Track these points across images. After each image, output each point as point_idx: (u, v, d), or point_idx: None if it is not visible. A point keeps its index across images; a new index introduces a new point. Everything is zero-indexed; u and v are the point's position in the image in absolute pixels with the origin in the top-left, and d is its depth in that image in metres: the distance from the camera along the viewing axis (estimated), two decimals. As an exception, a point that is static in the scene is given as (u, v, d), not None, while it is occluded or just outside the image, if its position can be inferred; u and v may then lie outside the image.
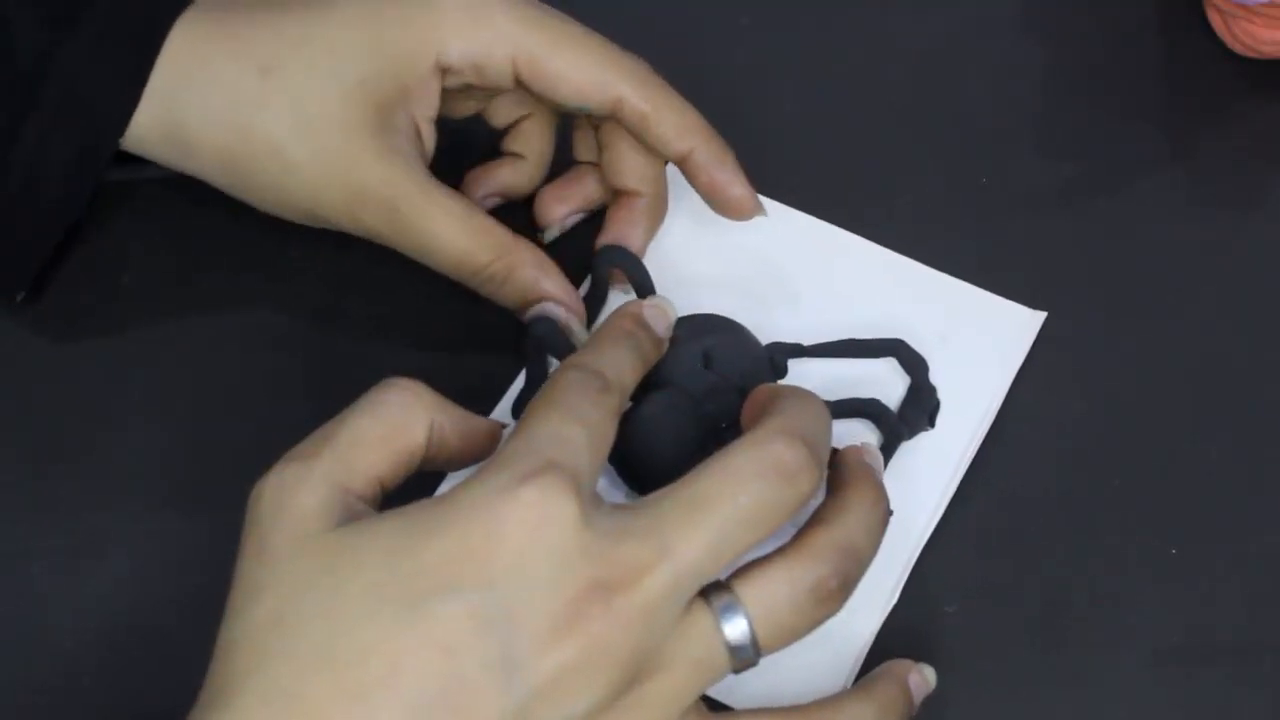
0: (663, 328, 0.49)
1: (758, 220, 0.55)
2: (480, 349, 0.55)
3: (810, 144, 0.60)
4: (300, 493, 0.41)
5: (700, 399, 0.51)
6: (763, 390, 0.46)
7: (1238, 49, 0.61)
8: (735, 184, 0.54)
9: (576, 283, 0.55)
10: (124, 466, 0.54)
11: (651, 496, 0.41)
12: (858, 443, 0.47)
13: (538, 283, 0.53)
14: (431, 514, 0.40)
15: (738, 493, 0.40)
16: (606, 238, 0.55)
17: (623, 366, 0.45)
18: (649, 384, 0.52)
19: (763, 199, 0.55)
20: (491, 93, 0.55)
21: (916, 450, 0.53)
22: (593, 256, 0.55)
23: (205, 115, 0.52)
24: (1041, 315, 0.55)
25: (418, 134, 0.53)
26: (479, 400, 0.53)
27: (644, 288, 0.54)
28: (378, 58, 0.52)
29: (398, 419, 0.43)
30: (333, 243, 0.58)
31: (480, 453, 0.46)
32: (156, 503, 0.53)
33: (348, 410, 0.43)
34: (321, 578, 0.39)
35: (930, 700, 0.49)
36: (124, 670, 0.50)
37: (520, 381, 0.54)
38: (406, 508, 0.41)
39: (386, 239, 0.53)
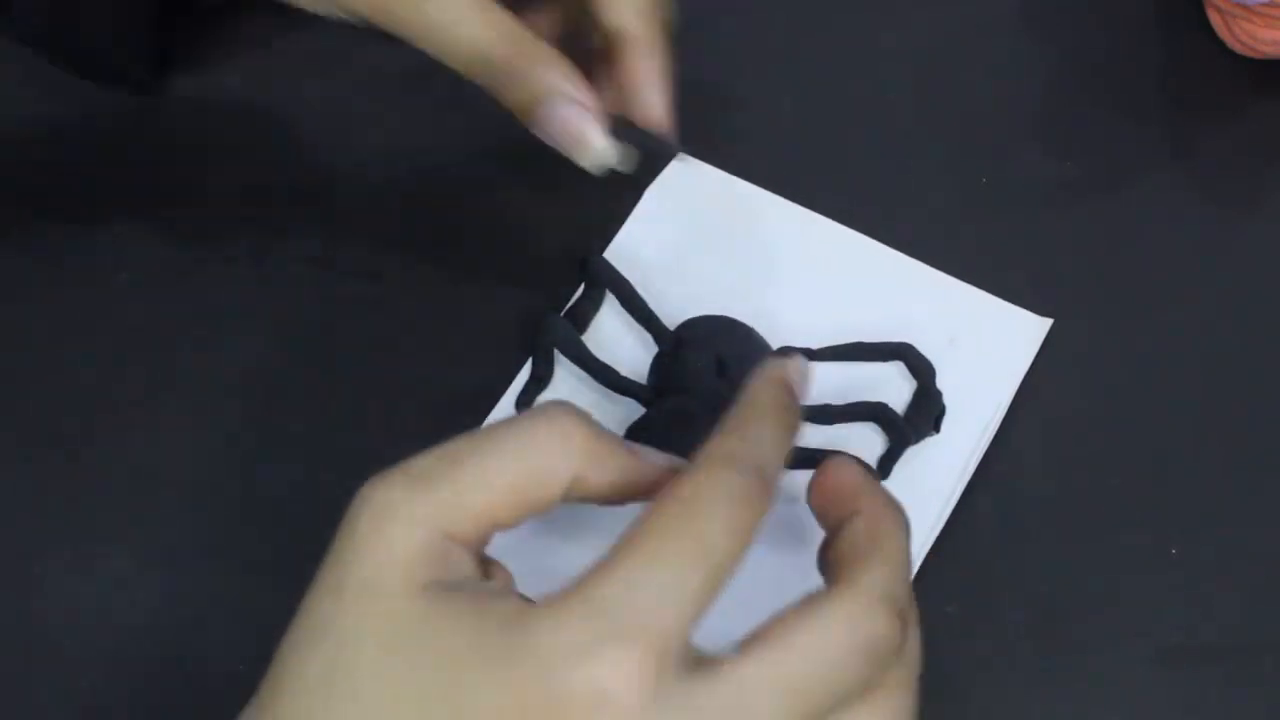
0: (805, 394, 0.44)
1: (767, 218, 0.54)
2: (484, 342, 0.55)
3: (810, 144, 0.60)
4: (398, 529, 0.38)
5: (714, 407, 0.50)
6: (850, 483, 0.41)
7: (1238, 49, 0.61)
8: (655, 91, 0.50)
9: (563, 287, 0.55)
10: (123, 465, 0.54)
11: (739, 663, 0.36)
12: (863, 453, 0.48)
13: (552, 78, 0.48)
14: (507, 641, 0.36)
15: (834, 678, 0.37)
16: (573, 81, 0.49)
17: (778, 452, 0.40)
18: (660, 391, 0.52)
19: (774, 196, 0.55)
20: None
21: (922, 455, 0.53)
22: (583, 264, 0.55)
23: None
24: (1048, 322, 0.55)
25: None
26: (482, 395, 0.54)
27: (632, 305, 0.54)
28: None
29: (538, 466, 0.39)
30: (332, 240, 0.58)
31: (633, 498, 0.41)
32: (156, 502, 0.53)
33: (486, 433, 0.39)
34: (381, 658, 0.37)
35: (931, 700, 0.49)
36: (123, 670, 0.50)
37: (525, 374, 0.54)
38: (496, 610, 0.37)
39: (399, 22, 0.48)
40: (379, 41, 0.51)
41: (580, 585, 0.36)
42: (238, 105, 0.61)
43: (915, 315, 0.55)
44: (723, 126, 0.60)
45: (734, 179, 0.58)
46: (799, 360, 0.44)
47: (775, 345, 0.53)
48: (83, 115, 0.60)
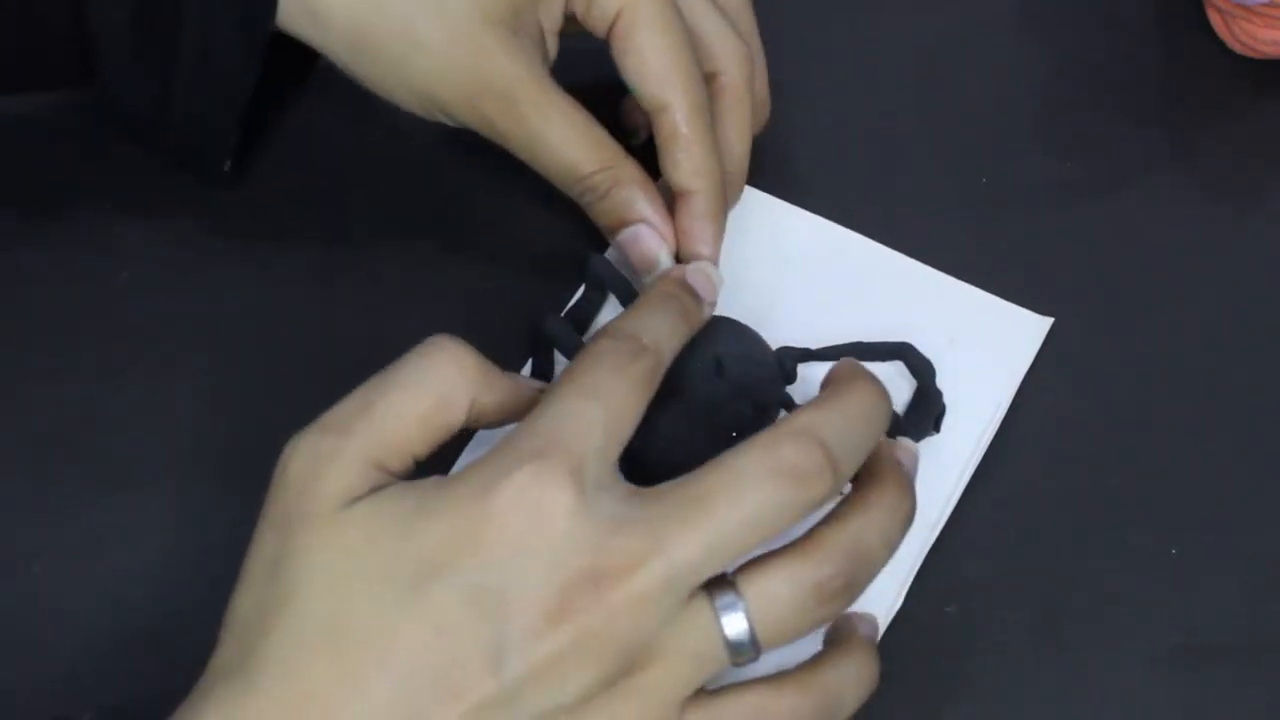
0: (708, 293, 0.49)
1: (769, 221, 0.55)
2: (483, 342, 0.55)
3: (810, 143, 0.60)
4: (330, 471, 0.41)
5: (713, 408, 0.50)
6: (841, 368, 0.45)
7: (1238, 49, 0.61)
8: (704, 245, 0.53)
9: (563, 288, 0.55)
10: (124, 465, 0.53)
11: (658, 488, 0.41)
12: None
13: (635, 204, 0.52)
14: (437, 495, 0.40)
15: (741, 494, 0.40)
16: (655, 208, 0.53)
17: (661, 330, 0.45)
18: (661, 393, 0.52)
19: (776, 200, 0.55)
20: (576, 33, 0.55)
21: (922, 455, 0.52)
22: (583, 264, 0.55)
23: None
24: (1048, 321, 0.55)
25: (543, 40, 0.53)
26: None
27: (626, 299, 0.54)
28: None
29: (439, 394, 0.43)
30: (332, 241, 0.58)
31: (519, 418, 0.45)
32: (157, 500, 0.53)
33: (387, 376, 0.43)
34: (334, 556, 0.40)
35: (931, 700, 0.49)
36: (124, 670, 0.50)
37: (525, 373, 0.54)
38: (419, 484, 0.41)
39: (499, 133, 0.52)
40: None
41: (500, 440, 0.41)
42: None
43: (915, 315, 0.55)
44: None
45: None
46: (706, 266, 0.50)
47: (774, 345, 0.53)
48: (83, 115, 0.60)
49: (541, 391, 0.45)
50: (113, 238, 0.58)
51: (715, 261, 0.54)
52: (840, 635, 0.44)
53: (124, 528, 0.52)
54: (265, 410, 0.54)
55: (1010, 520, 0.52)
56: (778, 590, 0.41)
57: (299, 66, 0.59)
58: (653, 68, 0.53)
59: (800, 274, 0.56)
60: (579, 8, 0.53)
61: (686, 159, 0.53)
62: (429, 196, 0.59)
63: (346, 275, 0.57)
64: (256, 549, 0.42)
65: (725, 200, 0.54)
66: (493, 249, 0.58)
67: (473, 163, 0.58)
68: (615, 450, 0.42)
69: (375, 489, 0.41)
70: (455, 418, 0.43)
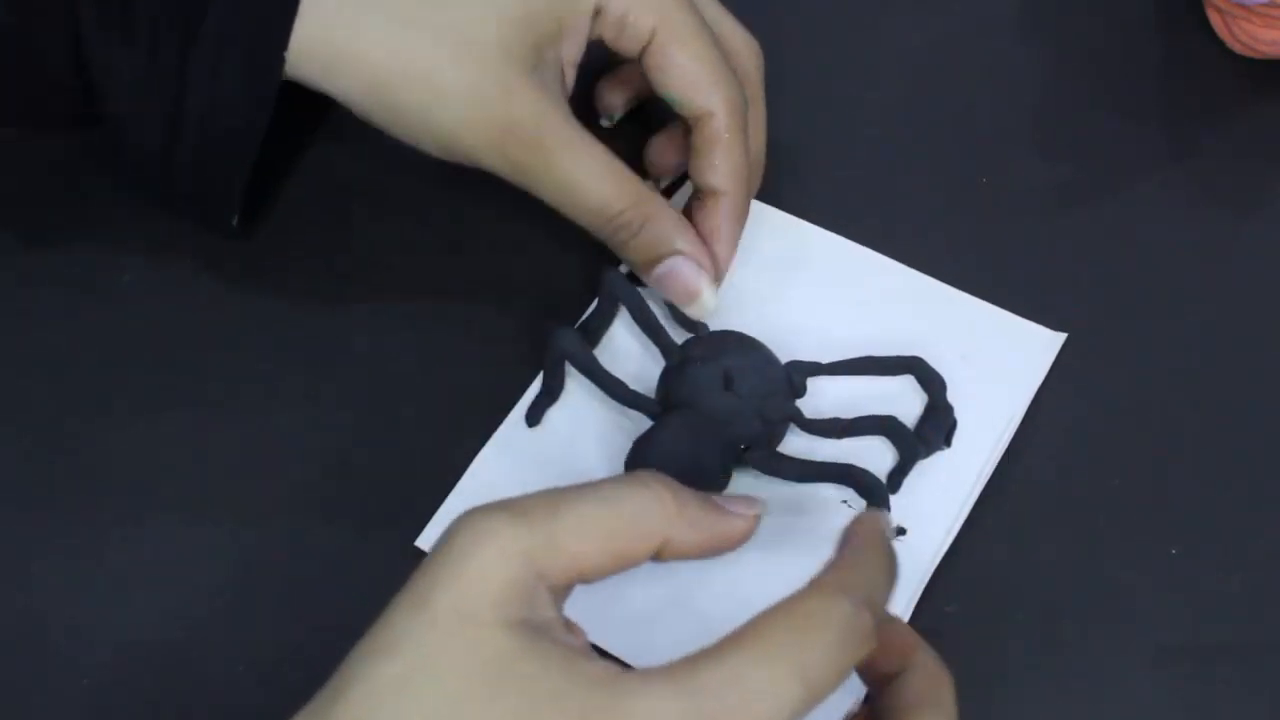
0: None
1: (778, 235, 0.55)
2: (494, 355, 0.55)
3: (809, 144, 0.60)
4: (493, 558, 0.38)
5: (721, 422, 0.50)
6: (903, 641, 0.43)
7: (1238, 49, 0.61)
8: (728, 245, 0.54)
9: (571, 301, 0.55)
10: (124, 466, 0.53)
11: None
12: (873, 467, 0.49)
13: (671, 238, 0.52)
14: (596, 700, 0.37)
15: None
16: (690, 239, 0.53)
17: (884, 593, 0.41)
18: (668, 405, 0.52)
19: (783, 214, 0.56)
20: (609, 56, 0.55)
21: (933, 469, 0.52)
22: (600, 277, 0.55)
23: (359, 33, 0.50)
24: (1061, 336, 0.55)
25: (563, 75, 0.53)
26: (491, 407, 0.54)
27: (644, 319, 0.54)
28: None
29: (633, 519, 0.40)
30: (339, 247, 0.58)
31: (718, 552, 0.43)
32: (157, 504, 0.53)
33: (588, 486, 0.40)
34: (462, 683, 0.37)
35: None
36: (124, 671, 0.50)
37: (535, 387, 0.54)
38: (584, 665, 0.37)
39: (526, 176, 0.52)
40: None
41: (678, 667, 0.37)
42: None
43: (927, 330, 0.55)
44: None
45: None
46: (886, 514, 0.47)
47: (784, 359, 0.53)
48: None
49: (752, 520, 0.43)
50: (114, 238, 0.58)
51: (731, 259, 0.54)
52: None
53: (124, 529, 0.52)
54: (267, 412, 0.54)
55: (1011, 521, 0.52)
56: None
57: (313, 112, 0.58)
58: (695, 77, 0.53)
59: (811, 288, 0.56)
60: (609, 34, 0.53)
61: (724, 162, 0.53)
62: (439, 205, 0.59)
63: (352, 279, 0.57)
64: (389, 619, 0.38)
65: (749, 200, 0.54)
66: (505, 262, 0.57)
67: (485, 174, 0.58)
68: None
69: (529, 616, 0.38)
70: (641, 550, 0.41)
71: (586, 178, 0.51)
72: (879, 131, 0.61)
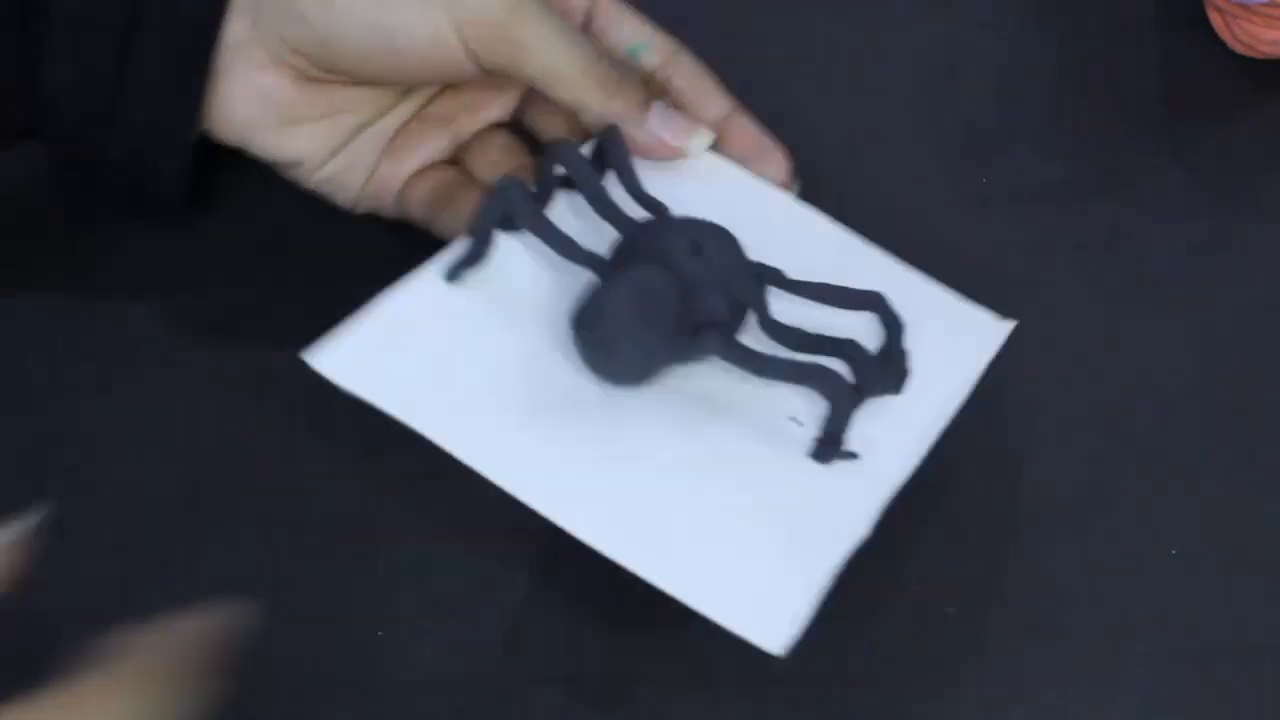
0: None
1: (733, 188, 0.54)
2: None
3: (809, 143, 0.60)
4: None
5: (688, 283, 0.47)
6: None
7: (1238, 49, 0.61)
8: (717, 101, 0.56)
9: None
10: (124, 465, 0.53)
11: None
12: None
13: (643, 90, 0.53)
14: None
15: None
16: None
17: None
18: (637, 259, 0.48)
19: (741, 170, 0.55)
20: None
21: (880, 415, 0.50)
22: (546, 152, 0.52)
23: None
24: (1010, 324, 0.53)
25: None
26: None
27: (598, 197, 0.50)
28: None
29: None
30: (339, 243, 0.58)
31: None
32: (158, 505, 0.53)
33: None
34: None
35: (931, 700, 0.49)
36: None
37: (458, 249, 0.50)
38: None
39: (511, 61, 0.52)
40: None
41: None
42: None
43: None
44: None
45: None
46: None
47: (754, 261, 0.50)
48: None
49: None
50: (114, 239, 0.58)
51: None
52: None
53: (124, 529, 0.52)
54: (266, 411, 0.54)
55: (1010, 520, 0.52)
56: None
57: None
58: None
59: (759, 247, 0.52)
60: None
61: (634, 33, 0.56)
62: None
63: (350, 277, 0.57)
64: None
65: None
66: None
67: None
68: None
69: None
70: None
71: (555, 47, 0.52)
72: (879, 131, 0.61)
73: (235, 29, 0.52)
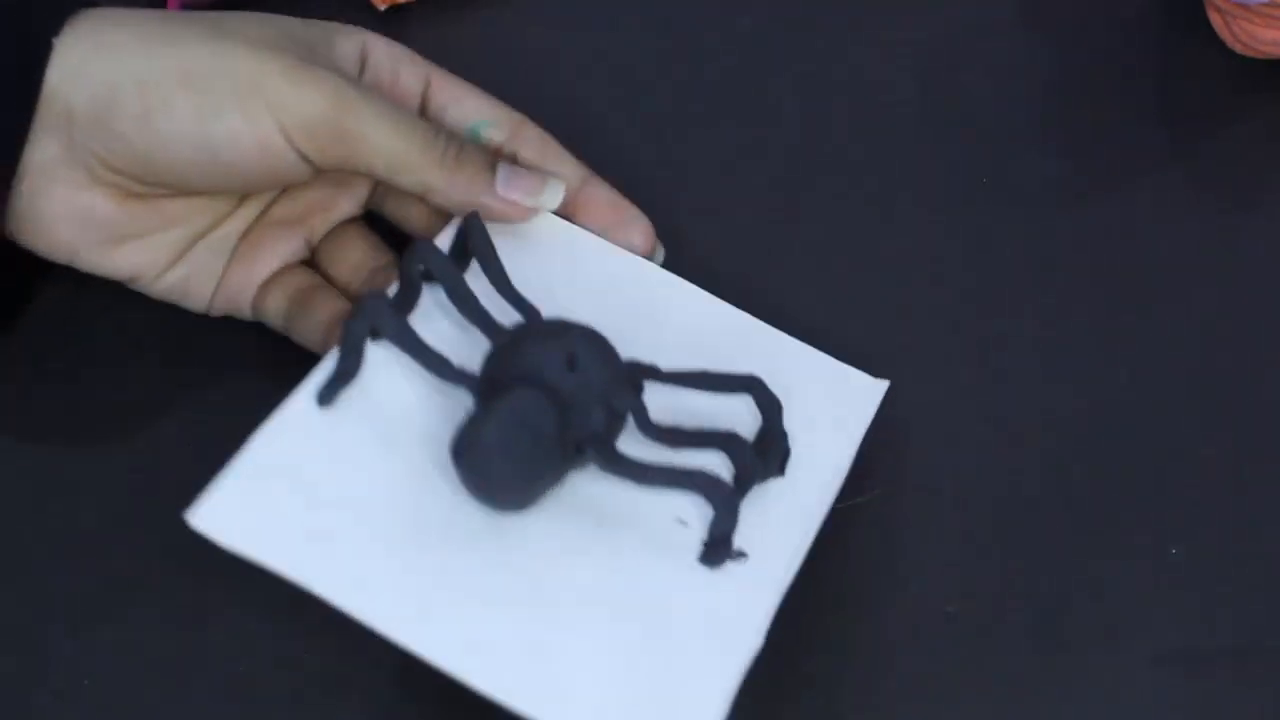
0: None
1: (599, 264, 0.53)
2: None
3: (809, 143, 0.60)
4: None
5: (563, 402, 0.46)
6: None
7: (1238, 49, 0.61)
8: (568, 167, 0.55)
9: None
10: (124, 465, 0.53)
11: None
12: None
13: (487, 156, 0.52)
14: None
15: None
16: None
17: None
18: (508, 380, 0.47)
19: (609, 244, 0.54)
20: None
21: (765, 503, 0.49)
22: (405, 253, 0.50)
23: (120, 53, 0.49)
24: (884, 384, 0.53)
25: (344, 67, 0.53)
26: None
27: (463, 297, 0.49)
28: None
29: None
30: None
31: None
32: (158, 504, 0.53)
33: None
34: None
35: (932, 700, 0.49)
36: (125, 671, 0.50)
37: (327, 368, 0.49)
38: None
39: (346, 159, 0.50)
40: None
41: None
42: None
43: (748, 368, 0.52)
44: (721, 126, 0.60)
45: (563, 223, 0.54)
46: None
47: (626, 360, 0.50)
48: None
49: None
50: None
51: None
52: None
53: (125, 531, 0.52)
54: (265, 410, 0.54)
55: (1009, 520, 0.52)
56: None
57: None
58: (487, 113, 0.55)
59: (630, 321, 0.52)
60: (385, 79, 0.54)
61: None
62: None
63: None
64: None
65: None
66: None
67: None
68: None
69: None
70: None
71: (391, 124, 0.50)
72: (878, 131, 0.61)
73: (47, 149, 0.50)
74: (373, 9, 0.62)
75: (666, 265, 0.54)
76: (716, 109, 0.61)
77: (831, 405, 0.52)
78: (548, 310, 0.52)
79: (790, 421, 0.51)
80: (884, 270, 0.57)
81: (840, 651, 0.50)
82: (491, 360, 0.48)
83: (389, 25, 0.62)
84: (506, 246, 0.52)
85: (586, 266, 0.53)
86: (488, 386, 0.47)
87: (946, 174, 0.60)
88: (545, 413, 0.46)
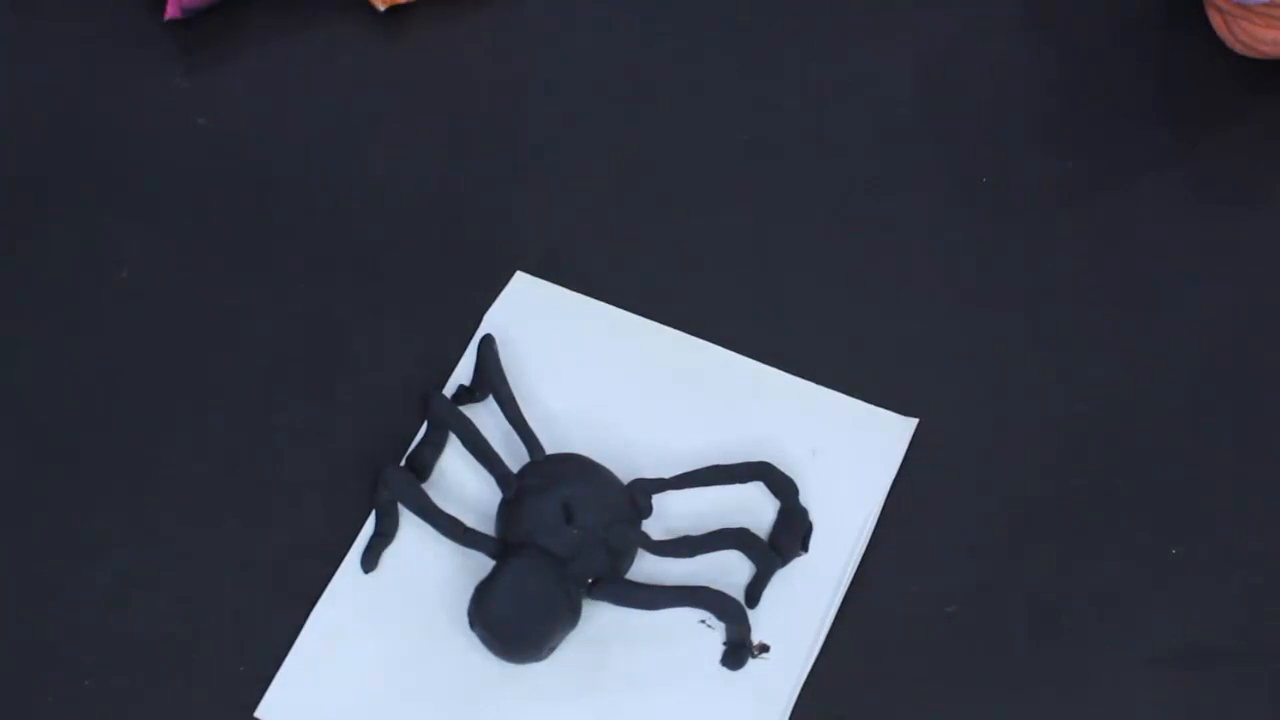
0: None
1: (620, 336, 0.54)
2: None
3: (810, 143, 0.60)
4: None
5: (565, 558, 0.49)
6: None
7: (1238, 49, 0.61)
8: None
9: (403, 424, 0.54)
10: (124, 464, 0.53)
11: None
12: (732, 576, 0.48)
13: None
14: None
15: None
16: None
17: None
18: (507, 542, 0.50)
19: (619, 310, 0.54)
20: None
21: (793, 576, 0.51)
22: (421, 403, 0.53)
23: None
24: (913, 422, 0.53)
25: None
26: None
27: (476, 446, 0.52)
28: None
29: None
30: (327, 244, 0.58)
31: None
32: (158, 500, 0.53)
33: None
34: None
35: (932, 700, 0.49)
36: (125, 672, 0.50)
37: (369, 529, 0.52)
38: None
39: None
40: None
41: None
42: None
43: (776, 426, 0.53)
44: (721, 126, 0.60)
45: (577, 296, 0.55)
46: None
47: (631, 475, 0.51)
48: (83, 114, 0.60)
49: None
50: (114, 238, 0.58)
51: None
52: None
53: (125, 528, 0.52)
54: (265, 409, 0.54)
55: (1010, 520, 0.52)
56: None
57: None
58: None
59: (658, 392, 0.54)
60: None
61: None
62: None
63: (340, 275, 0.57)
64: None
65: None
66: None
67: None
68: None
69: None
70: None
71: None
72: (879, 131, 0.61)
73: None
74: (372, 9, 0.62)
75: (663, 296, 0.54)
76: (715, 110, 0.61)
77: (861, 450, 0.53)
78: (583, 390, 0.53)
79: (821, 473, 0.52)
80: (884, 270, 0.57)
81: (840, 651, 0.50)
82: (500, 517, 0.51)
83: (389, 25, 0.62)
84: (540, 329, 0.54)
85: (604, 337, 0.55)
86: (500, 547, 0.50)
87: (947, 174, 0.60)
88: (547, 572, 0.49)
